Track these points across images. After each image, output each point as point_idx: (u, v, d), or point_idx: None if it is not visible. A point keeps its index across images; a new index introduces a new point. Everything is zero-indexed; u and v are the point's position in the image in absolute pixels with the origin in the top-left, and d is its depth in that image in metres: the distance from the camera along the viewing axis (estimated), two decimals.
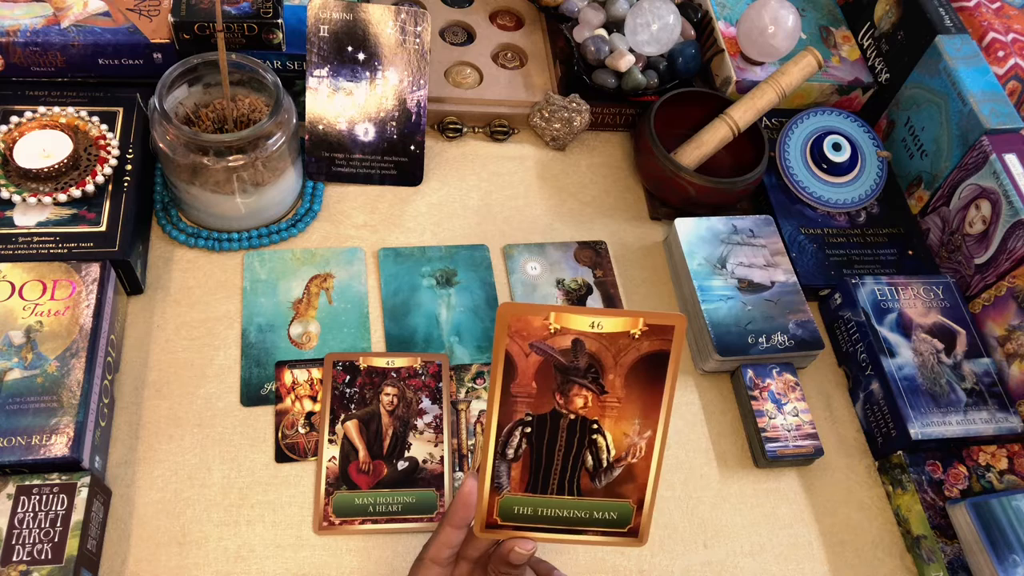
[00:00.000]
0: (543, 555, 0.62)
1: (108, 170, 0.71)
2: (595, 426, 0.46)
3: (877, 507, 0.71)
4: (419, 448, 0.67)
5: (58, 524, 0.56)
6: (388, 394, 0.68)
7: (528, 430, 0.46)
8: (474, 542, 0.49)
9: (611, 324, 0.44)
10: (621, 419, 0.46)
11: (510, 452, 0.46)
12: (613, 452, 0.47)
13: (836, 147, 0.87)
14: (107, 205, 0.70)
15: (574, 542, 0.49)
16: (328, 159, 0.81)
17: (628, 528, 0.48)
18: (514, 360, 0.44)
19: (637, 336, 0.45)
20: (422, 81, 0.80)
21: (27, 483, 0.57)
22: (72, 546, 0.56)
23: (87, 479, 0.58)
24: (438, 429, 0.68)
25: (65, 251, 0.68)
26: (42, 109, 0.73)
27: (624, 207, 0.86)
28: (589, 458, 0.47)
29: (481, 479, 0.46)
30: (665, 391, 0.46)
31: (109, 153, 0.72)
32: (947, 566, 0.65)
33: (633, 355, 0.45)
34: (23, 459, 0.58)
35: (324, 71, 0.78)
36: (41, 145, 0.71)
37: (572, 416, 0.46)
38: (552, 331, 0.44)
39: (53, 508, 0.57)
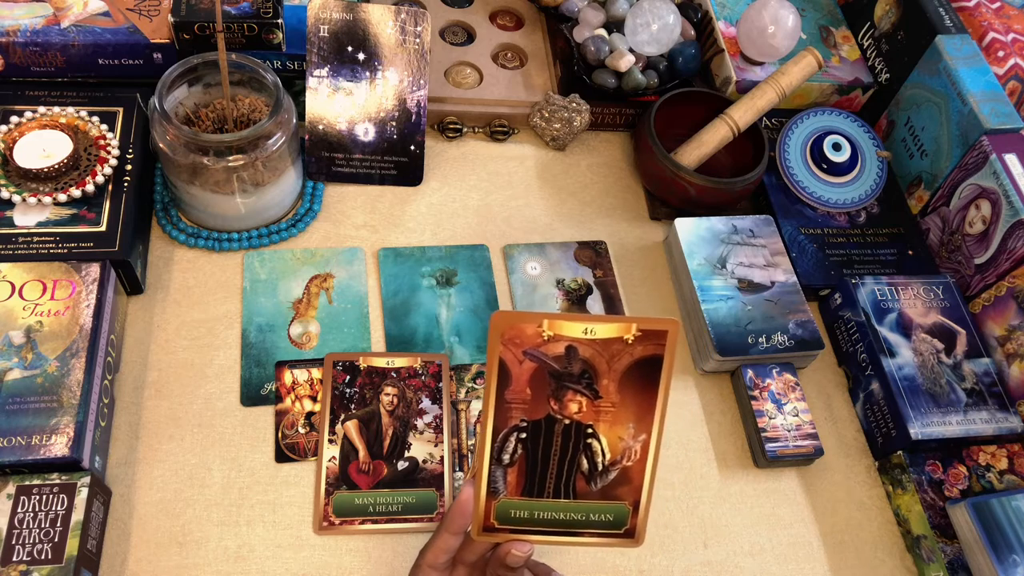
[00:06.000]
0: (542, 556, 0.62)
1: (108, 170, 0.71)
2: (590, 430, 0.46)
3: (877, 507, 0.71)
4: (419, 448, 0.67)
5: (58, 524, 0.56)
6: (388, 394, 0.68)
7: (523, 435, 0.46)
8: (471, 546, 0.49)
9: (604, 330, 0.45)
10: (616, 423, 0.46)
11: (506, 457, 0.46)
12: (608, 455, 0.47)
13: (836, 147, 0.86)
14: (107, 205, 0.70)
15: (571, 544, 0.49)
16: (328, 159, 0.81)
17: (625, 529, 0.48)
18: (508, 367, 0.45)
19: (630, 341, 0.45)
20: (422, 81, 0.80)
21: (27, 483, 0.57)
22: (72, 546, 0.56)
23: (87, 479, 0.58)
24: (438, 429, 0.68)
25: (65, 251, 0.68)
26: (42, 109, 0.73)
27: (624, 207, 0.86)
28: (584, 462, 0.47)
29: (477, 484, 0.47)
30: (659, 395, 0.46)
31: (109, 153, 0.72)
32: (947, 566, 0.65)
33: (627, 360, 0.45)
34: (23, 459, 0.58)
35: (324, 71, 0.78)
36: (41, 145, 0.71)
37: (567, 421, 0.46)
38: (545, 338, 0.44)
39: (53, 508, 0.57)
